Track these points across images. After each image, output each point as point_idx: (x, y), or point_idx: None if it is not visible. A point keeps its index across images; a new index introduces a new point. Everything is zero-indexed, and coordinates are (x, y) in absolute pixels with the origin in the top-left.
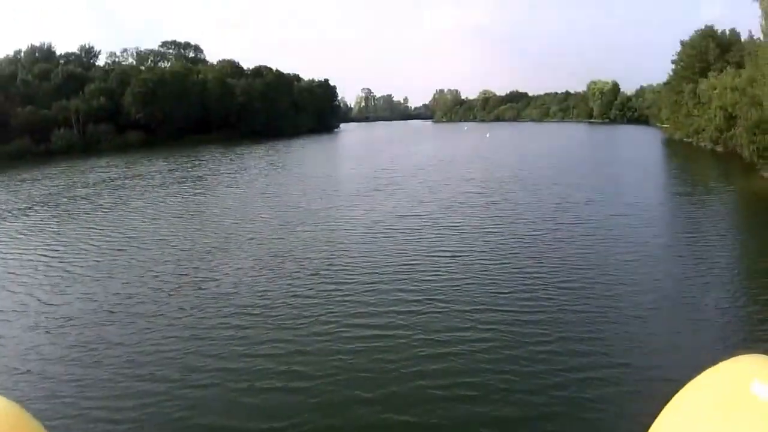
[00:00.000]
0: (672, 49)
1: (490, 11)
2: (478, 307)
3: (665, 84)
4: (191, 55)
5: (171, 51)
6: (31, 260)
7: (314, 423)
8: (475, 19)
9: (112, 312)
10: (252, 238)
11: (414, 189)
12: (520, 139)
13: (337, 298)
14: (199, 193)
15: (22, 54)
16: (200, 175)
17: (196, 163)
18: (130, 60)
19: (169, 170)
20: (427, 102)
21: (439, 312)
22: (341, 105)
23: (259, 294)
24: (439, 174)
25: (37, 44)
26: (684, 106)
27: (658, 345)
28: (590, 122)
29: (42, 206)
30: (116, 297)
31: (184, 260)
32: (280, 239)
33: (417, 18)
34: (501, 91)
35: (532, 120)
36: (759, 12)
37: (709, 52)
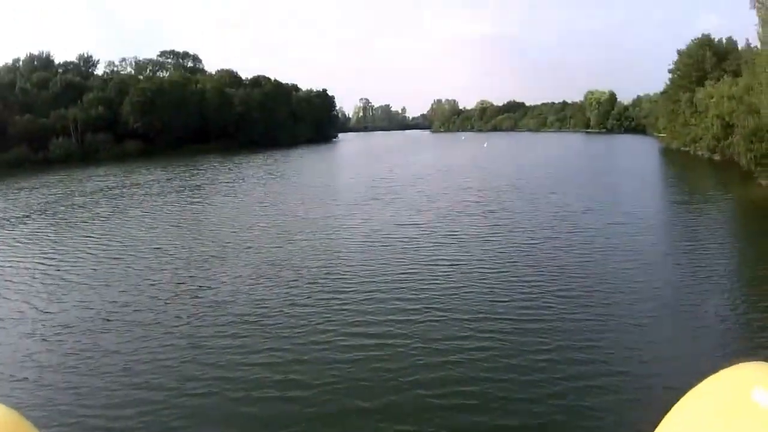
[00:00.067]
0: (669, 59)
1: (488, 23)
2: (476, 316)
3: (662, 93)
4: (190, 64)
5: (170, 60)
6: (28, 268)
7: None
8: (473, 30)
9: (109, 320)
10: (250, 247)
11: (412, 198)
12: (517, 149)
13: (335, 307)
14: (197, 202)
15: (21, 62)
16: (198, 184)
17: (194, 172)
18: (129, 69)
19: (167, 179)
20: (425, 112)
21: (437, 321)
22: (339, 115)
23: (257, 303)
24: (437, 183)
25: (36, 53)
26: (681, 115)
27: (658, 353)
28: (587, 132)
29: (39, 215)
30: (113, 305)
31: (181, 269)
32: (278, 248)
33: (415, 29)
34: (498, 101)
35: (530, 130)
36: (756, 20)
37: (706, 61)
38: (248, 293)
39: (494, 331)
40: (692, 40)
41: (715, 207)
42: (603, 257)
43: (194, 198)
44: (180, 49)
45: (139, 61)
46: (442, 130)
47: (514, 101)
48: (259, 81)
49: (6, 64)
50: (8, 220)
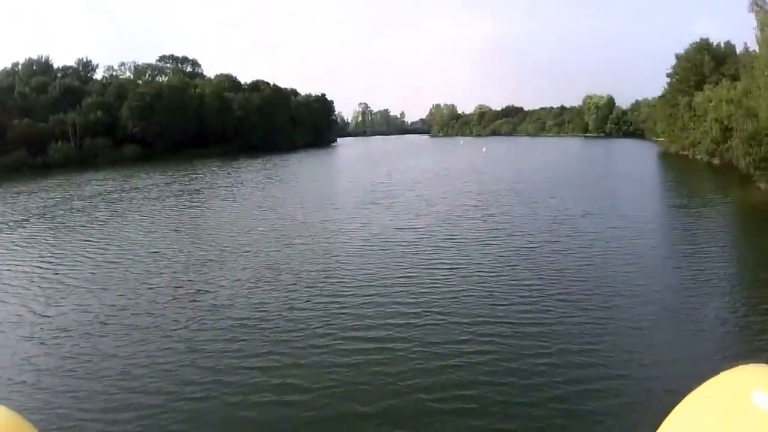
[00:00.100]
0: (667, 63)
1: (487, 28)
2: (476, 320)
3: (660, 97)
4: (189, 69)
5: (168, 65)
6: (27, 272)
7: None
8: (472, 35)
9: (107, 324)
10: (248, 251)
11: (411, 202)
12: (516, 154)
13: (334, 311)
14: (196, 206)
15: (20, 66)
16: (197, 188)
17: (193, 176)
18: (128, 74)
19: (166, 184)
20: (423, 117)
21: (436, 324)
22: (338, 120)
23: (255, 306)
24: (436, 187)
25: (35, 57)
26: (679, 119)
27: (658, 356)
28: (586, 136)
29: (38, 218)
30: (111, 309)
31: (179, 272)
32: (276, 252)
33: (415, 31)
34: (497, 105)
35: (528, 134)
36: (754, 23)
37: (704, 65)
38: (247, 297)
39: (493, 334)
40: (690, 45)
41: (714, 210)
42: (602, 261)
43: (193, 202)
44: (180, 51)
45: (138, 65)
46: (440, 134)
47: (512, 106)
48: (258, 86)
49: (5, 68)
50: (7, 224)
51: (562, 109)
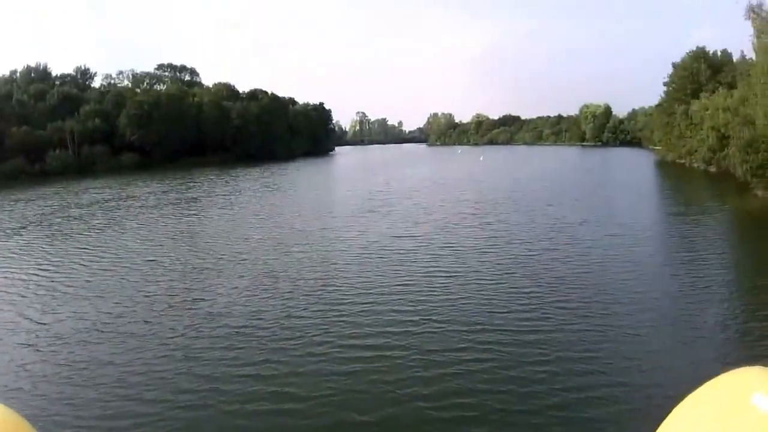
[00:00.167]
0: (664, 72)
1: (484, 37)
2: (474, 327)
3: (657, 106)
4: (187, 78)
5: (167, 73)
6: (24, 279)
7: None
8: (469, 44)
9: (104, 331)
10: (245, 259)
11: (409, 210)
12: (513, 162)
13: (332, 319)
14: (193, 214)
15: (18, 74)
16: (194, 196)
17: (191, 185)
18: (126, 82)
19: (164, 192)
20: (421, 125)
21: (435, 332)
22: (336, 128)
23: (252, 314)
24: (434, 196)
25: (33, 64)
26: (676, 127)
27: (657, 363)
28: (583, 145)
29: (35, 226)
30: (108, 316)
31: (176, 280)
32: (274, 260)
33: (412, 40)
34: (494, 114)
35: (525, 143)
36: (751, 30)
37: (701, 74)
38: (244, 305)
39: (492, 342)
40: (687, 53)
41: (711, 218)
42: (601, 268)
43: (190, 210)
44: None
45: (136, 74)
46: (438, 143)
47: (509, 115)
48: (256, 94)
49: (3, 75)
50: (4, 232)
51: (559, 118)
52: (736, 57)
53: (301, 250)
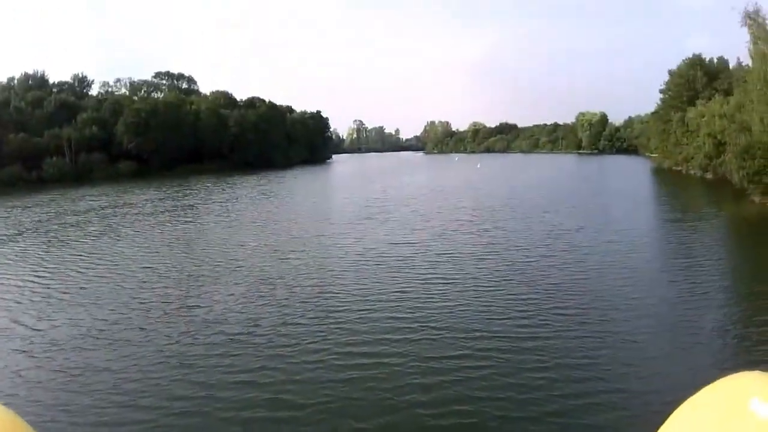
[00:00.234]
0: (660, 80)
1: (480, 45)
2: (472, 334)
3: (653, 113)
4: (184, 86)
5: (164, 81)
6: (19, 286)
7: None
8: (466, 52)
9: (99, 338)
10: (242, 266)
11: (406, 217)
12: (510, 170)
13: (329, 326)
14: (190, 221)
15: (15, 81)
16: (191, 204)
17: (188, 192)
18: (123, 90)
19: (161, 199)
20: (418, 134)
21: (433, 339)
22: (333, 136)
23: (249, 321)
24: (431, 203)
25: (31, 72)
26: (672, 134)
27: (655, 369)
28: (579, 153)
29: (32, 233)
30: (103, 323)
31: (172, 287)
32: (271, 267)
33: (410, 47)
34: (491, 122)
35: (522, 151)
36: (747, 37)
37: (697, 81)
38: (240, 312)
39: (491, 349)
40: (683, 60)
41: (708, 224)
42: (598, 275)
43: (187, 218)
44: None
45: (134, 82)
46: (435, 151)
47: (506, 123)
48: (253, 102)
49: (0, 82)
50: (0, 238)
51: (556, 126)
52: (732, 64)
53: (298, 257)
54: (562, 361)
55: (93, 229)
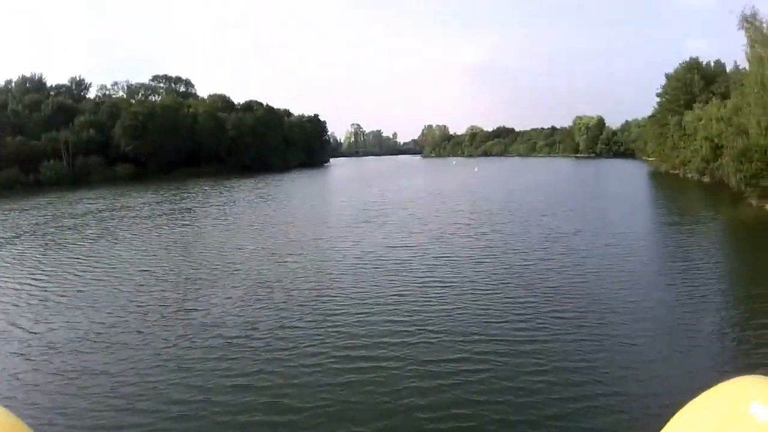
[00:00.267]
0: (657, 83)
1: (479, 48)
2: (470, 338)
3: (650, 117)
4: (182, 89)
5: (162, 85)
6: (17, 288)
7: None
8: (464, 55)
9: (96, 341)
10: (239, 269)
11: (404, 221)
12: (507, 174)
13: (327, 329)
14: (187, 224)
15: (13, 84)
16: (189, 207)
17: (185, 195)
18: (121, 93)
19: (158, 203)
20: (415, 137)
21: (431, 342)
22: (331, 140)
23: (247, 325)
24: (429, 206)
25: (28, 74)
26: (670, 138)
27: (653, 372)
28: (576, 157)
29: (29, 236)
30: (100, 326)
31: (170, 291)
32: (268, 270)
33: (408, 51)
34: (488, 126)
35: (519, 155)
36: (745, 40)
37: (694, 84)
38: (237, 315)
39: (489, 352)
40: (680, 64)
41: (706, 227)
42: (596, 278)
43: (184, 221)
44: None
45: (131, 85)
46: (433, 155)
47: (503, 127)
48: (251, 106)
49: None
50: None
51: (553, 129)
52: (729, 67)
53: (296, 261)
54: (560, 364)
55: (90, 232)
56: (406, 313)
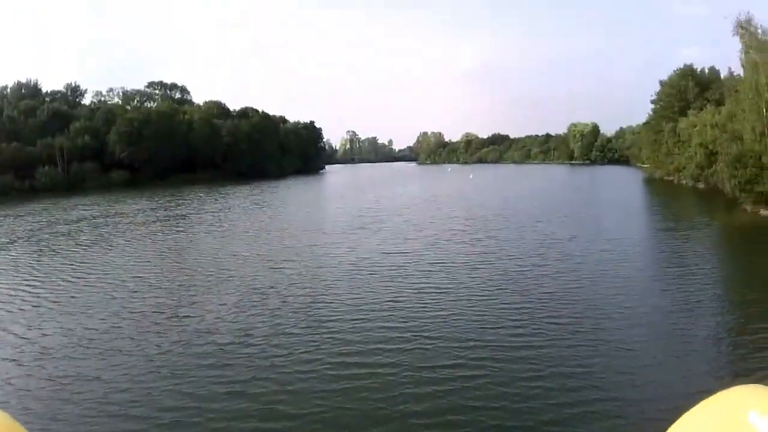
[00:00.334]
0: (651, 91)
1: (474, 55)
2: (466, 343)
3: (645, 124)
4: (177, 95)
5: (157, 91)
6: (10, 294)
7: None
8: (459, 61)
9: (89, 347)
10: (234, 276)
11: (399, 227)
12: (502, 181)
13: (322, 336)
14: (182, 231)
15: (8, 90)
16: (184, 213)
17: (180, 202)
18: (116, 99)
19: (153, 209)
20: (411, 144)
21: (426, 349)
22: (326, 147)
23: (241, 331)
24: (424, 213)
25: (24, 80)
26: (664, 144)
27: (649, 377)
28: (571, 164)
29: (24, 242)
30: (94, 332)
31: (164, 297)
32: (263, 277)
33: (406, 55)
34: (483, 133)
35: (514, 162)
36: (739, 46)
37: (689, 91)
38: (232, 322)
39: (485, 358)
40: (674, 71)
41: (700, 233)
42: (591, 284)
43: (179, 227)
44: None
45: (127, 91)
46: (428, 162)
47: (498, 134)
48: (246, 112)
49: None
50: None
51: (548, 137)
52: (723, 74)
53: (291, 267)
54: (556, 369)
55: (85, 238)
56: (401, 319)
